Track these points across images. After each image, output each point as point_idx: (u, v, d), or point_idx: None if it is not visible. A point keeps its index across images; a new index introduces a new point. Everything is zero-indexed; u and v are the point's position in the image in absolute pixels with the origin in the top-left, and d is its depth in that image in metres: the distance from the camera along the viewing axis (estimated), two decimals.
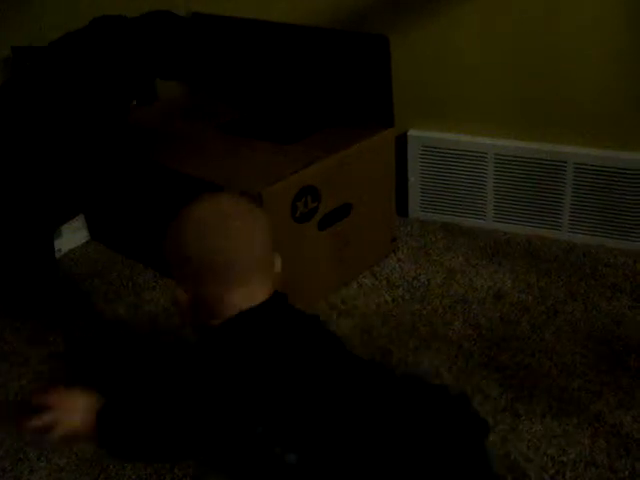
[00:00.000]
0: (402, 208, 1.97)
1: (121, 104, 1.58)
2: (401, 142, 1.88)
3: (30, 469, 1.30)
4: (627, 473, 1.20)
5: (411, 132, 1.90)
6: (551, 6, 1.65)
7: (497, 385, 1.40)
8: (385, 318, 1.61)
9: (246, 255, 1.00)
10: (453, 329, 1.56)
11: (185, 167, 1.61)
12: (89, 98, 1.51)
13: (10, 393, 1.47)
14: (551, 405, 1.34)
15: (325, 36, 1.73)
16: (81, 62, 1.50)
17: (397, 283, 1.72)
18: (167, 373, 0.97)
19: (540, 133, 1.77)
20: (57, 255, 1.89)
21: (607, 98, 1.68)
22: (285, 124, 1.79)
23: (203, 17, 1.95)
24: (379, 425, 0.94)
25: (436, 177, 1.92)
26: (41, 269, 1.67)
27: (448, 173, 1.90)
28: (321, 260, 1.66)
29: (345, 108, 1.77)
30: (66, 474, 1.28)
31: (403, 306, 1.64)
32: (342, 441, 0.92)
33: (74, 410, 0.94)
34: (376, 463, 0.92)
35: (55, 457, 1.31)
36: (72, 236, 1.94)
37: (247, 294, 1.00)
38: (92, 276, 1.82)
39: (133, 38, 1.52)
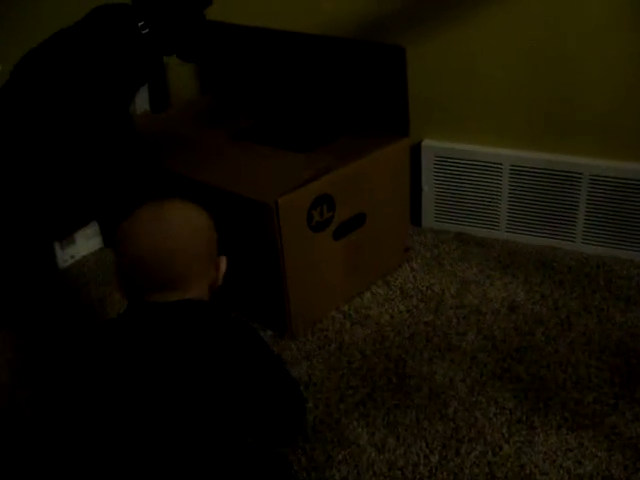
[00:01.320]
0: (416, 218, 1.97)
1: (125, 91, 1.56)
2: (415, 152, 1.88)
3: None
4: None
5: (425, 142, 1.90)
6: (566, 17, 1.64)
7: (512, 397, 1.39)
8: (399, 328, 1.60)
9: (176, 261, 1.03)
10: (467, 340, 1.55)
11: (199, 175, 1.61)
12: (93, 88, 1.48)
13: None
14: (566, 417, 1.34)
15: (342, 46, 1.73)
16: (81, 53, 1.47)
17: (411, 293, 1.72)
18: None
19: (556, 144, 1.77)
20: (71, 262, 1.91)
21: (623, 110, 1.67)
22: (301, 132, 1.79)
23: (216, 25, 1.96)
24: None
25: (450, 187, 1.92)
26: (41, 276, 1.67)
27: (462, 183, 1.90)
28: (335, 269, 1.66)
29: (361, 117, 1.77)
30: None
31: (417, 316, 1.64)
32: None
33: None
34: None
35: None
36: (86, 243, 1.95)
37: (174, 293, 1.03)
38: (105, 283, 1.83)
39: (133, 23, 1.50)
